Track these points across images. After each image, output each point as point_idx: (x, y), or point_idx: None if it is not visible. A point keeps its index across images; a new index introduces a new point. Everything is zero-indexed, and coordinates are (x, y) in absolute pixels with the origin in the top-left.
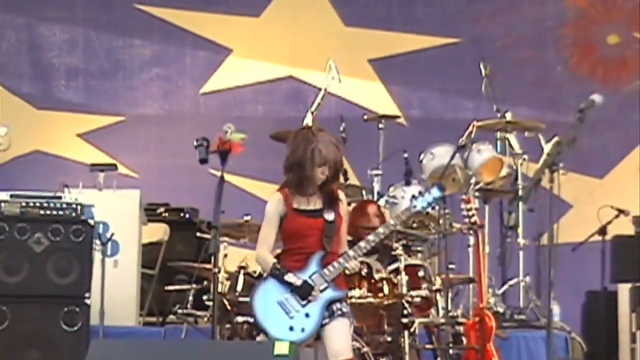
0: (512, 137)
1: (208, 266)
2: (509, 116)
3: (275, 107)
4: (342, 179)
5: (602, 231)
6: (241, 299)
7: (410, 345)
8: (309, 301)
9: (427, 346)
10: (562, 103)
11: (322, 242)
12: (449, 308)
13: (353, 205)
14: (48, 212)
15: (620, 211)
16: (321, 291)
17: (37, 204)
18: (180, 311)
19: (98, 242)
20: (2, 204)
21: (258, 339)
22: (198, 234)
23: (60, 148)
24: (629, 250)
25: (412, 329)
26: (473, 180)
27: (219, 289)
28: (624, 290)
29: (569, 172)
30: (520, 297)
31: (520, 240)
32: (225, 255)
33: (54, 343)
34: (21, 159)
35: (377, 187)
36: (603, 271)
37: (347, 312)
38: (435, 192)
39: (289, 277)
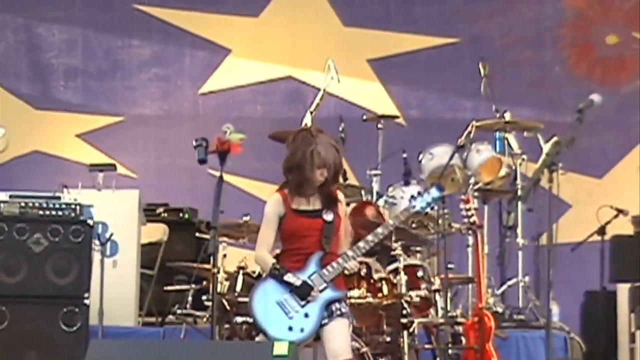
0: (511, 137)
1: (207, 266)
2: (507, 116)
3: (274, 107)
4: (341, 179)
5: (601, 231)
6: (240, 299)
7: (409, 345)
8: (308, 301)
9: (426, 346)
10: (561, 103)
11: (321, 243)
12: (448, 308)
13: (352, 205)
14: (47, 212)
15: (620, 211)
16: (320, 291)
17: (36, 204)
18: (179, 311)
19: (97, 242)
20: (1, 205)
21: (257, 339)
22: (197, 234)
23: (59, 148)
24: (628, 250)
25: (411, 329)
26: (472, 180)
27: (218, 289)
28: (623, 290)
29: (568, 172)
30: (519, 297)
31: (520, 240)
32: (225, 256)
33: (53, 343)
34: (20, 160)
35: (376, 187)
36: (602, 271)
37: (346, 313)
38: (434, 193)
39: (289, 277)
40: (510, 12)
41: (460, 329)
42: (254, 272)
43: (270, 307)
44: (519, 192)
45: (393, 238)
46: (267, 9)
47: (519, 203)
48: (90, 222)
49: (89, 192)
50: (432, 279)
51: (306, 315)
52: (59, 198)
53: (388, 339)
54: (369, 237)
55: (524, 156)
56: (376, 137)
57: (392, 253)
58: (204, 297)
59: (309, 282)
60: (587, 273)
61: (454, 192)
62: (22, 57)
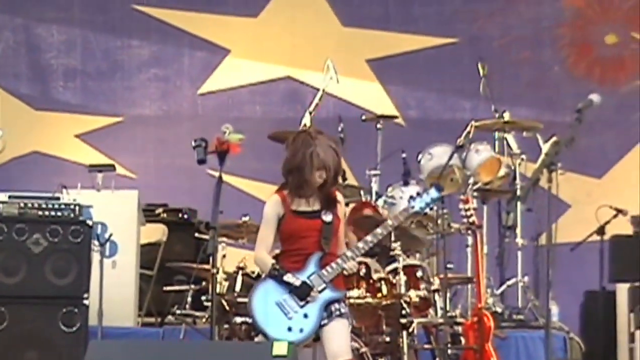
0: (510, 137)
1: (206, 267)
2: (506, 116)
3: (273, 107)
4: (340, 180)
5: (601, 231)
6: (240, 299)
7: (408, 345)
8: (308, 302)
9: (426, 346)
10: (560, 103)
11: (320, 243)
12: (448, 308)
13: (351, 205)
14: (46, 212)
15: (619, 211)
16: (320, 292)
17: (36, 205)
18: (178, 312)
19: (96, 242)
20: (1, 205)
21: (256, 339)
22: (196, 234)
23: (58, 149)
24: (628, 250)
25: (410, 329)
26: (471, 181)
27: (218, 290)
28: (622, 290)
29: (567, 172)
30: (518, 297)
31: (519, 240)
32: (224, 256)
33: (53, 344)
34: (19, 160)
35: (375, 187)
36: (601, 271)
37: (345, 313)
38: (433, 193)
39: (288, 277)
40: (509, 12)
41: (459, 329)
42: (253, 272)
43: (270, 307)
44: (518, 192)
45: (392, 238)
46: (266, 9)
47: (518, 203)
48: (89, 222)
49: (88, 192)
50: (431, 279)
51: (305, 316)
52: (58, 198)
53: (387, 339)
54: (368, 238)
55: (523, 156)
56: (375, 137)
57: (392, 253)
58: (203, 298)
59: (308, 282)
60: (587, 273)
61: (453, 192)
62: (22, 58)
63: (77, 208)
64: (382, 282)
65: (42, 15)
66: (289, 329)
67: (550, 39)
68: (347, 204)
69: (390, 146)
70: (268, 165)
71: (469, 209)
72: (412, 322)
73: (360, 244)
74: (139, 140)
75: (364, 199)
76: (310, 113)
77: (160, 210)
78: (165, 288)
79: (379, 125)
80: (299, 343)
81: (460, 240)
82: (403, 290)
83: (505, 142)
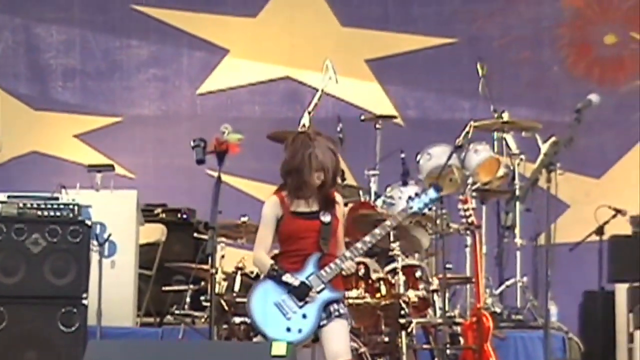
0: (509, 137)
1: (205, 267)
2: (505, 116)
3: (272, 107)
4: (339, 180)
5: (600, 231)
6: (238, 299)
7: (407, 345)
8: (306, 302)
9: (425, 346)
10: (559, 103)
11: (318, 244)
12: (446, 308)
13: (349, 205)
14: (45, 213)
15: (618, 211)
16: (318, 292)
17: (35, 205)
18: (177, 312)
19: (95, 242)
20: (0, 205)
21: (255, 339)
22: (195, 234)
23: (57, 149)
24: (627, 250)
25: (409, 329)
26: (470, 181)
27: (216, 290)
28: (621, 290)
29: (566, 172)
30: (517, 297)
31: (518, 241)
32: (223, 256)
33: (51, 344)
34: (18, 160)
35: (374, 187)
36: (600, 271)
37: (344, 314)
38: (432, 194)
39: (287, 278)
40: (508, 12)
41: (458, 329)
42: (252, 272)
43: (268, 308)
44: (517, 192)
45: (391, 239)
46: (265, 9)
47: (517, 203)
48: (88, 222)
49: (87, 192)
50: (430, 279)
51: (304, 316)
52: (57, 198)
53: (386, 339)
54: (367, 238)
55: (522, 156)
56: (374, 137)
57: (390, 253)
58: (202, 298)
59: (307, 283)
60: (586, 273)
61: (452, 193)
62: (21, 58)
63: (76, 208)
64: (381, 282)
65: (42, 15)
66: (288, 330)
67: (549, 39)
68: (345, 204)
69: (389, 146)
70: (267, 165)
71: (467, 209)
72: (411, 322)
73: (359, 245)
74: (138, 140)
75: (362, 199)
76: (309, 113)
77: (159, 210)
78: (164, 288)
79: (377, 125)
80: (297, 343)
81: (459, 241)
82: (402, 290)
83: (504, 142)
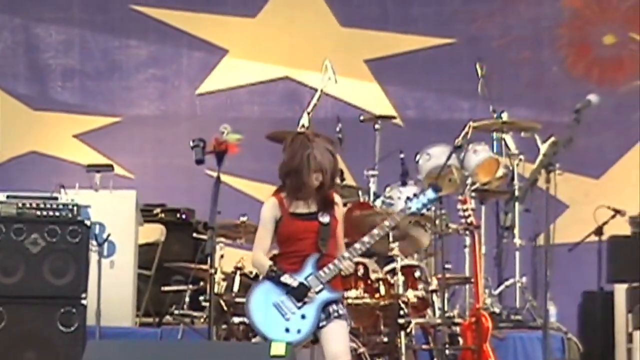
0: (508, 138)
1: (204, 267)
2: (505, 116)
3: (272, 107)
4: (338, 180)
5: (599, 231)
6: (237, 299)
7: (406, 345)
8: (305, 303)
9: (424, 347)
10: (558, 103)
11: (317, 245)
12: (445, 309)
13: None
14: (44, 213)
15: (617, 211)
16: (317, 293)
17: (34, 205)
18: (176, 312)
19: (94, 242)
20: None
21: (254, 339)
22: (194, 234)
23: (56, 149)
24: (625, 251)
25: (408, 330)
26: (469, 181)
27: (216, 290)
28: (620, 291)
29: (565, 172)
30: (516, 297)
31: (517, 241)
32: (222, 256)
33: (51, 344)
34: (17, 160)
35: (373, 187)
36: (599, 271)
37: (344, 314)
38: (430, 194)
39: (285, 278)
40: (508, 12)
41: (457, 329)
42: (251, 272)
43: (267, 309)
44: (516, 193)
45: (390, 239)
46: (264, 9)
47: (516, 203)
48: (87, 222)
49: (86, 192)
50: (429, 280)
51: (303, 317)
52: (56, 198)
53: (385, 339)
54: (365, 239)
55: (521, 156)
56: (373, 137)
57: (390, 254)
58: (201, 298)
59: (306, 283)
60: (585, 273)
61: (451, 193)
62: (20, 58)
63: (75, 208)
64: (380, 283)
65: (41, 15)
66: (287, 330)
67: (548, 39)
68: (345, 205)
69: (388, 146)
70: (266, 165)
71: (467, 210)
72: (410, 323)
73: (357, 245)
74: (137, 140)
75: (362, 200)
76: (309, 113)
77: (158, 210)
78: (163, 288)
79: (377, 126)
80: (296, 344)
81: (458, 241)
82: (401, 290)
83: (503, 143)
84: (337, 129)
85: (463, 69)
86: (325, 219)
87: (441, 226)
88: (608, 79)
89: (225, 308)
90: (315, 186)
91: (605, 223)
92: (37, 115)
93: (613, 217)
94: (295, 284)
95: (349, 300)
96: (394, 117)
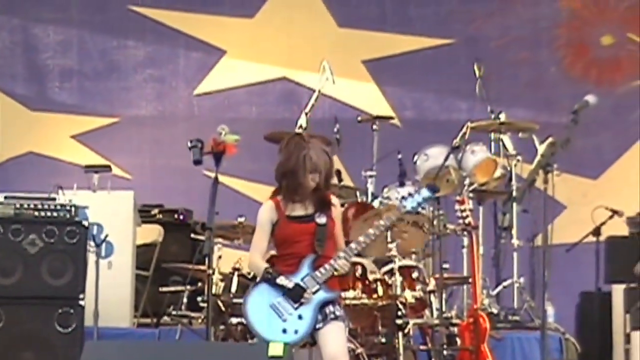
0: (506, 138)
1: (202, 267)
2: (503, 117)
3: (269, 108)
4: (336, 181)
5: (596, 232)
6: (235, 300)
7: (404, 346)
8: (302, 303)
9: (422, 347)
10: (556, 104)
11: (313, 247)
12: (443, 309)
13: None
14: (42, 213)
15: (615, 212)
16: (313, 293)
17: (31, 206)
18: (174, 312)
19: (92, 243)
20: None
21: (252, 340)
22: (192, 235)
23: (54, 149)
24: (623, 251)
25: (406, 330)
26: (467, 181)
27: (213, 291)
28: (618, 291)
29: (563, 173)
30: (514, 298)
31: (515, 241)
32: (220, 257)
33: (49, 344)
34: (15, 161)
35: (371, 188)
36: (597, 272)
37: (340, 316)
38: (425, 193)
39: (281, 280)
40: (506, 13)
41: (455, 330)
42: (249, 273)
43: (264, 310)
44: (514, 193)
45: (388, 239)
46: (262, 10)
47: (514, 204)
48: (85, 223)
49: (84, 193)
50: (427, 280)
51: (300, 317)
52: (54, 199)
53: (383, 340)
54: (361, 238)
55: (519, 157)
56: (371, 138)
57: (387, 254)
58: (199, 298)
59: (302, 284)
60: (582, 274)
61: (449, 193)
62: (18, 58)
63: (73, 209)
64: (378, 283)
65: (39, 15)
66: (284, 331)
67: (547, 40)
68: (342, 205)
69: (386, 147)
70: (264, 166)
71: (464, 210)
72: (407, 323)
73: (353, 245)
74: (135, 141)
75: (359, 200)
76: (306, 114)
77: (156, 211)
78: (161, 289)
79: (374, 126)
80: (294, 344)
81: (456, 241)
82: (399, 291)
83: (501, 143)
84: (335, 130)
85: (461, 70)
86: (321, 219)
87: (439, 227)
88: (606, 80)
89: (223, 309)
90: (312, 187)
91: (603, 224)
92: (35, 116)
93: (611, 217)
94: (290, 285)
95: (347, 301)
96: (391, 118)
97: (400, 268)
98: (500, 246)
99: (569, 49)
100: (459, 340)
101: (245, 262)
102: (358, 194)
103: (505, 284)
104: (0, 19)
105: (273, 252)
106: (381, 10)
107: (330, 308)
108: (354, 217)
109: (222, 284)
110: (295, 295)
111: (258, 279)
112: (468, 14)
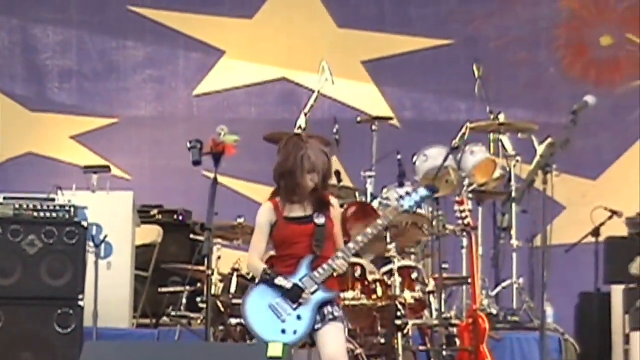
0: (505, 139)
1: (201, 268)
2: (502, 117)
3: (268, 108)
4: (335, 181)
5: (595, 232)
6: (234, 300)
7: (403, 346)
8: (300, 304)
9: (421, 348)
10: (555, 104)
11: (311, 247)
12: (442, 309)
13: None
14: (41, 214)
15: (614, 212)
16: (312, 293)
17: (30, 206)
18: (173, 313)
19: (91, 243)
20: None
21: (251, 341)
22: (191, 235)
23: (53, 150)
24: (622, 252)
25: (405, 331)
26: (466, 182)
27: (212, 291)
28: (617, 292)
29: (562, 173)
30: (513, 298)
31: (514, 242)
32: (219, 257)
33: (48, 345)
34: (14, 161)
35: (370, 188)
36: (596, 272)
37: (339, 316)
38: (422, 192)
39: (279, 281)
40: (505, 13)
41: (454, 330)
42: (248, 273)
43: (263, 311)
44: (513, 194)
45: (387, 239)
46: (261, 10)
47: (513, 204)
48: (84, 223)
49: (83, 193)
50: (426, 281)
51: (298, 318)
52: (53, 199)
53: (382, 340)
54: (359, 238)
55: (518, 157)
56: (370, 138)
57: (387, 254)
58: (198, 299)
59: (300, 284)
60: (581, 274)
61: (448, 194)
62: (17, 59)
63: (72, 209)
64: (377, 284)
65: (38, 15)
66: (283, 331)
67: (545, 40)
68: (341, 206)
69: (385, 147)
70: (263, 166)
71: (463, 211)
72: (407, 324)
73: (351, 244)
74: (134, 141)
75: (358, 200)
76: (306, 114)
77: (155, 211)
78: (160, 289)
79: (374, 127)
80: (293, 344)
81: (455, 242)
82: (398, 291)
83: (500, 144)
84: (334, 130)
85: (460, 70)
86: (320, 220)
87: (438, 227)
88: (605, 80)
89: (222, 309)
90: (310, 187)
91: (602, 224)
92: (34, 116)
93: (610, 218)
94: (288, 285)
95: (346, 301)
96: (390, 118)
97: (400, 268)
98: (499, 246)
99: (568, 49)
100: (458, 341)
101: (244, 262)
102: (357, 194)
103: (504, 284)
104: (0, 19)
105: (272, 253)
106: (380, 11)
107: (329, 308)
108: (355, 219)
109: (221, 285)
110: (294, 295)
111: (257, 280)
112: (467, 14)
